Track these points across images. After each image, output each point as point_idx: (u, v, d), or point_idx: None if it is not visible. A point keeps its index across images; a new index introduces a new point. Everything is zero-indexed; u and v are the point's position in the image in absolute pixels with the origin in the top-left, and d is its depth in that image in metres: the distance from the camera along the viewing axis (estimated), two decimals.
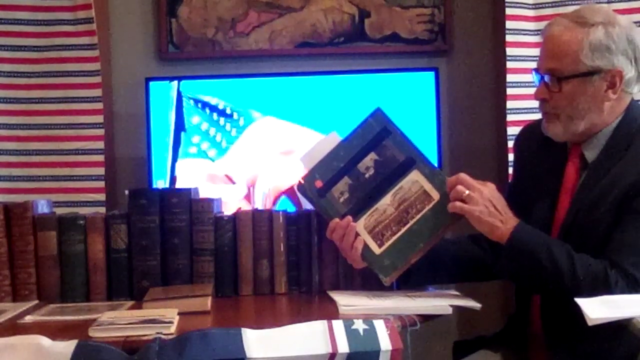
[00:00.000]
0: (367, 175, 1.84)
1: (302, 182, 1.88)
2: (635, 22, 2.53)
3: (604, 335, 1.56)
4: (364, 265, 1.80)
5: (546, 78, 1.76)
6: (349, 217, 1.79)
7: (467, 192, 1.71)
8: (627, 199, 1.67)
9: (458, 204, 1.72)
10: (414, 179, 1.81)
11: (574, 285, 1.63)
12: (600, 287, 1.60)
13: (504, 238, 1.70)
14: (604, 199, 1.69)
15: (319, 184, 1.85)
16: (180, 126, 2.69)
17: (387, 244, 1.79)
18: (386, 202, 1.82)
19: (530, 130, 1.94)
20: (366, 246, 1.79)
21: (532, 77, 1.82)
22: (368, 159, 1.85)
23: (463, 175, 1.75)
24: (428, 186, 1.80)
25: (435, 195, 1.79)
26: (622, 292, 1.60)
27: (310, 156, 1.90)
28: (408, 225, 1.79)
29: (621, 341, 1.62)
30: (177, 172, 2.69)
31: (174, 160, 2.69)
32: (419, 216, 1.79)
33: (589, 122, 1.75)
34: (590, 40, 1.71)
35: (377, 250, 1.79)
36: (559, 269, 1.64)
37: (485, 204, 1.71)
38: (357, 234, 1.78)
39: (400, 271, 1.78)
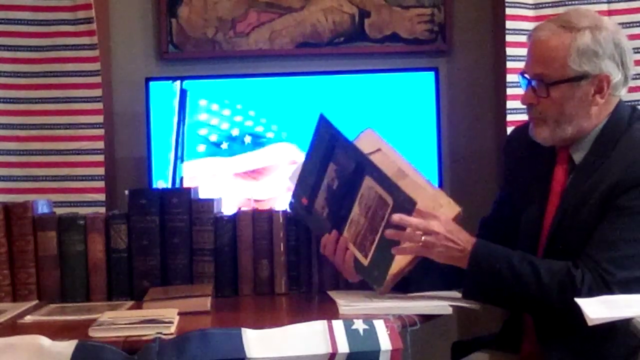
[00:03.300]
0: (334, 187, 1.79)
1: (292, 201, 1.86)
2: (635, 22, 2.55)
3: (597, 336, 1.56)
4: (359, 279, 1.79)
5: (534, 83, 1.75)
6: (335, 232, 1.78)
7: (422, 238, 1.68)
8: (610, 198, 1.66)
9: (415, 247, 1.69)
10: (369, 185, 1.73)
11: (542, 292, 1.62)
12: (567, 287, 1.60)
13: (465, 264, 1.69)
14: (588, 200, 1.69)
15: (304, 201, 1.84)
16: (183, 126, 2.69)
17: (370, 254, 1.73)
18: (357, 212, 1.76)
19: (519, 134, 1.93)
20: (356, 259, 1.76)
21: (519, 81, 1.82)
22: (330, 170, 1.80)
23: (409, 219, 1.67)
24: (381, 191, 1.70)
25: (389, 200, 1.69)
26: (590, 288, 1.59)
27: (297, 174, 1.89)
28: (380, 233, 1.71)
29: (615, 342, 1.63)
30: (184, 174, 2.68)
31: (177, 161, 2.69)
32: (384, 222, 1.70)
33: (576, 126, 1.75)
34: (578, 45, 1.70)
35: (364, 261, 1.75)
36: (522, 277, 1.63)
37: (442, 242, 1.68)
38: (346, 248, 1.76)
39: (392, 280, 1.74)
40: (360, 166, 1.74)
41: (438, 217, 1.70)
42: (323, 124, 1.83)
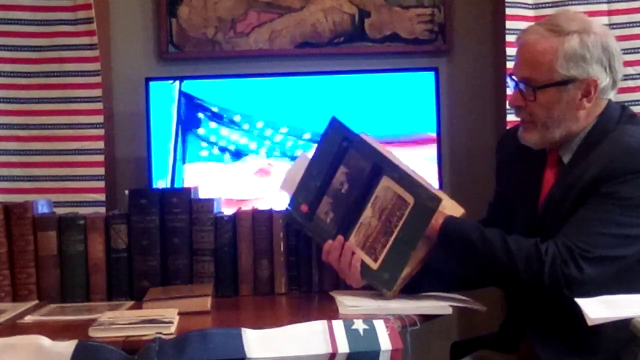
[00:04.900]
0: (343, 191, 1.79)
1: (289, 209, 1.85)
2: (635, 22, 2.55)
3: (587, 331, 1.55)
4: (363, 284, 1.78)
5: (521, 86, 1.75)
6: (340, 237, 1.77)
7: None
8: (590, 190, 1.66)
9: None
10: (386, 186, 1.73)
11: (509, 259, 1.64)
12: (533, 258, 1.62)
13: (437, 228, 1.70)
14: (568, 196, 1.70)
15: (304, 208, 1.82)
16: (183, 126, 2.69)
17: (381, 258, 1.73)
18: (368, 215, 1.76)
19: (510, 137, 1.93)
20: (363, 263, 1.75)
21: (508, 82, 1.82)
22: (340, 174, 1.80)
23: None
24: (400, 190, 1.72)
25: (410, 199, 1.70)
26: (553, 261, 1.60)
27: (288, 181, 1.87)
28: (394, 235, 1.72)
29: (605, 335, 1.63)
30: (185, 176, 2.68)
31: (176, 161, 2.69)
32: (401, 223, 1.71)
33: (565, 129, 1.75)
34: (566, 49, 1.70)
35: (374, 265, 1.74)
36: (492, 246, 1.66)
37: None
38: (352, 252, 1.76)
39: (402, 283, 1.74)
40: (378, 167, 1.75)
41: None
42: (335, 126, 1.83)
